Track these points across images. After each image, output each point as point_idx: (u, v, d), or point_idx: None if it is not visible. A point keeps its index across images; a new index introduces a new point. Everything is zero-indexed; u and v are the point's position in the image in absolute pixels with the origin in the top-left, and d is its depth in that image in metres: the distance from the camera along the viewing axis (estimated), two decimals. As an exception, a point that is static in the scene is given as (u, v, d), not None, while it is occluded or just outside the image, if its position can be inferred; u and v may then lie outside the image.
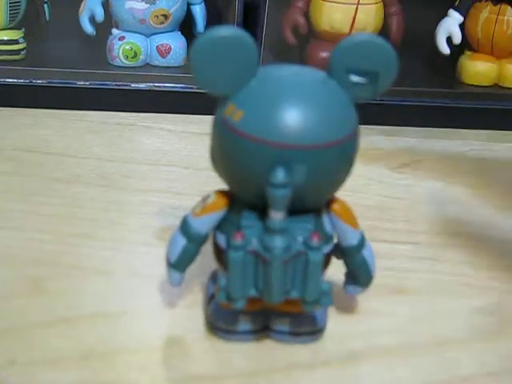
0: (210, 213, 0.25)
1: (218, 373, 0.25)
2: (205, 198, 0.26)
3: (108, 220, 0.35)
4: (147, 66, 0.53)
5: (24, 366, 0.25)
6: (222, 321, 0.26)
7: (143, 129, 0.47)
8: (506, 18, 0.52)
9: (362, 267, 0.27)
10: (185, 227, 0.26)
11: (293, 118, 0.23)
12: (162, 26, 0.52)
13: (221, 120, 0.24)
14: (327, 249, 0.25)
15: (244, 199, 0.25)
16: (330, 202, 0.26)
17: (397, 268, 0.32)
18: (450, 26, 0.53)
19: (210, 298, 0.27)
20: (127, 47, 0.51)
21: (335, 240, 0.26)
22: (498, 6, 0.53)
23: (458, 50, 0.54)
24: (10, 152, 0.42)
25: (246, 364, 0.25)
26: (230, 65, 0.23)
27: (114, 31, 0.53)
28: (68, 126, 0.46)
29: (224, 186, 0.25)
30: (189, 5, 0.53)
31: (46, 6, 0.53)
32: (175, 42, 0.53)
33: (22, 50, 0.51)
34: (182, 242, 0.26)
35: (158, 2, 0.51)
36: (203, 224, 0.25)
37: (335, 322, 0.28)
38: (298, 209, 0.24)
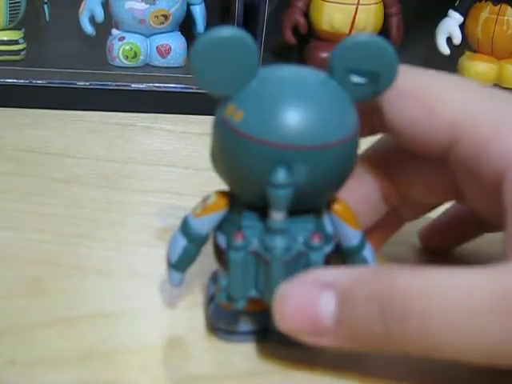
0: (211, 213, 0.25)
1: (218, 373, 0.25)
2: (205, 199, 0.26)
3: (108, 220, 0.35)
4: (147, 66, 0.53)
5: (24, 366, 0.25)
6: (222, 321, 0.26)
7: (143, 129, 0.47)
8: (505, 18, 0.52)
9: None
10: (185, 228, 0.26)
11: (293, 118, 0.23)
12: (162, 26, 0.52)
13: (221, 120, 0.24)
14: (328, 249, 0.25)
15: (244, 199, 0.25)
16: (330, 202, 0.26)
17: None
18: (450, 26, 0.53)
19: (210, 299, 0.27)
20: (127, 47, 0.51)
21: (336, 240, 0.26)
22: (498, 6, 0.53)
23: (458, 50, 0.54)
24: (9, 152, 0.42)
25: (246, 364, 0.25)
26: (230, 65, 0.23)
27: (114, 31, 0.53)
28: (68, 126, 0.46)
29: (224, 187, 0.25)
30: (189, 5, 0.53)
31: (45, 6, 0.53)
32: (175, 43, 0.53)
33: (22, 50, 0.51)
34: (182, 242, 0.26)
35: (157, 2, 0.51)
36: (203, 224, 0.25)
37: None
38: (298, 209, 0.24)
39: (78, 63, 0.51)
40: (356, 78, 0.24)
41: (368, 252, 0.26)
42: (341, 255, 0.27)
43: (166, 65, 0.53)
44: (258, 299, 0.25)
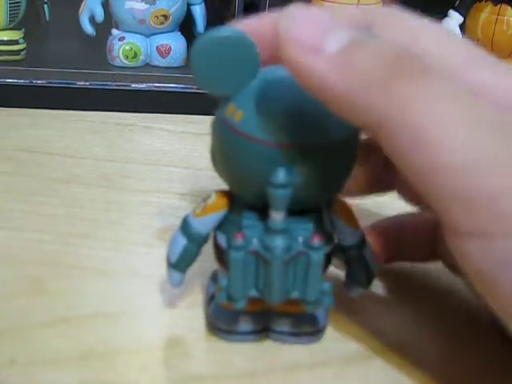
0: (211, 213, 0.25)
1: (218, 373, 0.25)
2: (205, 199, 0.26)
3: (108, 220, 0.35)
4: (147, 66, 0.53)
5: (24, 366, 0.25)
6: (222, 321, 0.26)
7: (143, 129, 0.47)
8: (505, 18, 0.52)
9: (362, 267, 0.26)
10: (185, 227, 0.26)
11: (293, 118, 0.23)
12: (162, 26, 0.52)
13: (221, 120, 0.24)
14: (328, 249, 0.25)
15: (244, 199, 0.25)
16: (330, 202, 0.26)
17: (397, 268, 0.32)
18: (450, 26, 0.53)
19: (210, 299, 0.27)
20: (127, 47, 0.52)
21: (335, 240, 0.26)
22: (498, 6, 0.53)
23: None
24: (10, 152, 0.42)
25: (246, 364, 0.25)
26: (230, 65, 0.23)
27: (114, 31, 0.53)
28: (68, 126, 0.46)
29: (224, 187, 0.25)
30: (189, 5, 0.53)
31: (46, 6, 0.53)
32: (175, 42, 0.53)
33: (22, 50, 0.51)
34: (182, 242, 0.26)
35: (157, 2, 0.51)
36: (204, 224, 0.25)
37: (335, 322, 0.28)
38: (298, 209, 0.24)
39: (78, 63, 0.51)
40: None
41: (368, 252, 0.26)
42: (340, 255, 0.27)
43: (166, 65, 0.53)
44: (258, 299, 0.25)
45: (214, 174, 0.25)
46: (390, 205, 0.33)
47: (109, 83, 0.49)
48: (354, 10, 0.26)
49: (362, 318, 0.28)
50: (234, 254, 0.24)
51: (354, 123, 0.21)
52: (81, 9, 0.52)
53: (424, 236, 0.30)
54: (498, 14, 0.53)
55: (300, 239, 0.24)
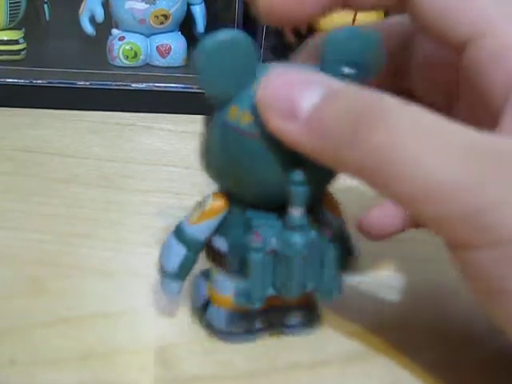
0: (209, 218, 0.25)
1: (218, 373, 0.25)
2: (201, 203, 0.25)
3: (108, 220, 0.35)
4: (147, 66, 0.53)
5: (24, 366, 0.25)
6: (236, 324, 0.26)
7: (143, 129, 0.47)
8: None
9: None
10: (182, 235, 0.25)
11: None
12: (162, 26, 0.52)
13: (223, 123, 0.24)
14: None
15: (250, 200, 0.25)
16: (322, 196, 0.26)
17: (397, 268, 0.32)
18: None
19: (205, 301, 0.27)
20: (127, 47, 0.52)
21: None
22: (498, 6, 0.53)
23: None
24: (9, 152, 0.42)
25: (246, 364, 0.25)
26: (233, 67, 0.23)
27: (114, 31, 0.53)
28: (68, 126, 0.46)
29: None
30: (189, 5, 0.53)
31: (45, 6, 0.53)
32: (175, 42, 0.53)
33: (22, 50, 0.51)
34: (181, 250, 0.25)
35: (157, 2, 0.51)
36: (202, 231, 0.25)
37: (335, 322, 0.28)
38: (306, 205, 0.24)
39: (78, 63, 0.51)
40: (347, 70, 0.24)
41: (346, 237, 0.27)
42: None
43: (166, 64, 0.53)
44: (272, 297, 0.25)
45: (214, 174, 0.25)
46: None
47: (109, 83, 0.49)
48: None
49: (362, 318, 0.28)
50: (254, 257, 0.24)
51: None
52: (81, 9, 0.52)
53: None
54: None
55: (313, 233, 0.24)
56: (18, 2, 0.50)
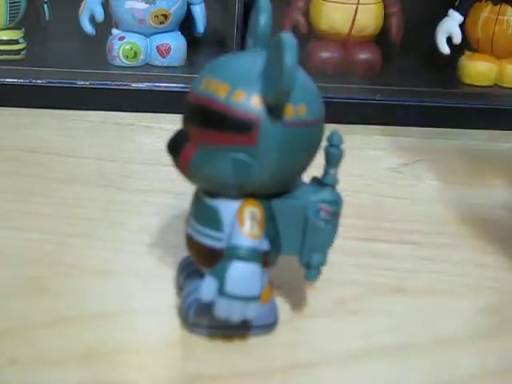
0: (263, 224, 0.25)
1: (218, 373, 0.25)
2: (251, 216, 0.25)
3: (108, 220, 0.35)
4: (147, 65, 0.53)
5: (24, 366, 0.25)
6: (207, 316, 0.26)
7: (143, 129, 0.47)
8: (505, 18, 0.52)
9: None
10: (254, 254, 0.24)
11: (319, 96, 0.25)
12: (162, 25, 0.52)
13: (286, 124, 0.24)
14: None
15: (274, 191, 0.25)
16: None
17: (397, 268, 0.32)
18: (450, 25, 0.53)
19: (187, 295, 0.26)
20: (127, 47, 0.52)
21: None
22: (498, 6, 0.53)
23: (457, 50, 0.54)
24: (9, 152, 0.42)
25: (246, 364, 0.25)
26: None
27: (114, 31, 0.53)
28: (68, 125, 0.46)
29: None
30: (189, 5, 0.53)
31: (45, 6, 0.53)
32: (175, 42, 0.53)
33: (22, 50, 0.51)
34: (259, 268, 0.24)
35: (157, 1, 0.51)
36: (263, 239, 0.25)
37: (335, 322, 0.28)
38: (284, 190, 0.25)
39: (78, 63, 0.51)
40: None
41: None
42: None
43: (166, 64, 0.53)
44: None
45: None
46: (391, 205, 0.33)
47: (109, 83, 0.49)
48: None
49: (362, 318, 0.28)
50: (327, 228, 0.25)
51: None
52: (81, 9, 0.52)
53: None
54: (498, 14, 0.53)
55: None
56: (18, 2, 0.50)
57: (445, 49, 0.53)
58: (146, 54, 0.52)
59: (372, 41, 0.54)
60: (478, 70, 0.54)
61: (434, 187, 0.41)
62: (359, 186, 0.40)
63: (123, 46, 0.51)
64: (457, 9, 0.53)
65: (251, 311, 0.25)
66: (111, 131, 0.46)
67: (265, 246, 0.25)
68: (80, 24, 0.52)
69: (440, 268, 0.33)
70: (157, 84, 0.49)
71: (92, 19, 0.52)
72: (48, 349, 0.25)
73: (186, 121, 0.25)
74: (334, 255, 0.27)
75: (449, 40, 0.53)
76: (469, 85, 0.54)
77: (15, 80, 0.48)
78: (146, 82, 0.50)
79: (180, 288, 0.28)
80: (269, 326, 0.27)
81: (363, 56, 0.54)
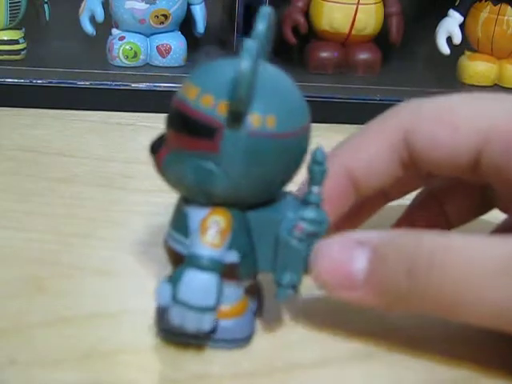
0: (228, 234, 0.24)
1: (218, 373, 0.25)
2: (215, 225, 0.24)
3: (108, 220, 0.35)
4: (147, 65, 0.53)
5: (24, 366, 0.25)
6: (187, 323, 0.24)
7: (144, 129, 0.47)
8: (505, 17, 0.52)
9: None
10: (212, 264, 0.24)
11: (301, 106, 0.25)
12: (162, 25, 0.52)
13: (249, 134, 0.23)
14: None
15: (250, 203, 0.25)
16: None
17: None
18: (450, 25, 0.53)
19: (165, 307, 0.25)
20: (127, 47, 0.52)
21: None
22: (498, 5, 0.53)
23: (458, 50, 0.54)
24: (9, 152, 0.42)
25: (247, 364, 0.25)
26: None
27: (114, 31, 0.53)
28: (68, 125, 0.46)
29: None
30: (189, 5, 0.53)
31: (46, 6, 0.53)
32: (175, 42, 0.53)
33: (22, 50, 0.51)
34: (215, 280, 0.24)
35: (158, 1, 0.51)
36: (225, 250, 0.24)
37: (335, 322, 0.28)
38: (270, 199, 0.25)
39: (78, 63, 0.51)
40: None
41: None
42: None
43: (166, 64, 0.53)
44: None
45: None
46: (391, 205, 0.33)
47: (109, 83, 0.49)
48: None
49: (362, 318, 0.28)
50: (300, 246, 0.25)
51: None
52: (81, 9, 0.52)
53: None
54: (498, 14, 0.53)
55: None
56: (18, 2, 0.50)
57: (445, 49, 0.53)
58: (146, 54, 0.52)
59: (372, 41, 0.54)
60: (478, 70, 0.54)
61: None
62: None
63: (123, 46, 0.51)
64: (457, 9, 0.53)
65: (206, 323, 0.24)
66: (111, 131, 0.46)
67: (232, 257, 0.24)
68: (80, 24, 0.52)
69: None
70: (157, 84, 0.49)
71: (92, 19, 0.52)
72: (48, 349, 0.25)
73: (165, 123, 0.25)
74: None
75: (449, 40, 0.53)
76: (469, 85, 0.54)
77: (15, 80, 0.48)
78: (146, 82, 0.50)
79: None
80: (242, 341, 0.26)
81: (363, 56, 0.54)
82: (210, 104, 0.23)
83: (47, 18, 0.54)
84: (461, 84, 0.54)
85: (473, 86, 0.54)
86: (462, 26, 0.53)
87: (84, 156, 0.42)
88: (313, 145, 0.25)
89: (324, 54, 0.53)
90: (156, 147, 0.25)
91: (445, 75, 0.55)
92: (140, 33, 0.52)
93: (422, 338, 0.28)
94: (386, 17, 0.54)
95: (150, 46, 0.53)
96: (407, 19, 0.55)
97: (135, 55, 0.52)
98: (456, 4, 0.53)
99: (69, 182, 0.38)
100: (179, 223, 0.25)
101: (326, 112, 0.46)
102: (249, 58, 0.22)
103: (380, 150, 0.27)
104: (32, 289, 0.29)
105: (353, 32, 0.53)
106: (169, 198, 0.38)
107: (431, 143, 0.26)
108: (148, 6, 0.51)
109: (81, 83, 0.49)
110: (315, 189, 0.25)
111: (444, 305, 0.23)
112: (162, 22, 0.52)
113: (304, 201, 0.25)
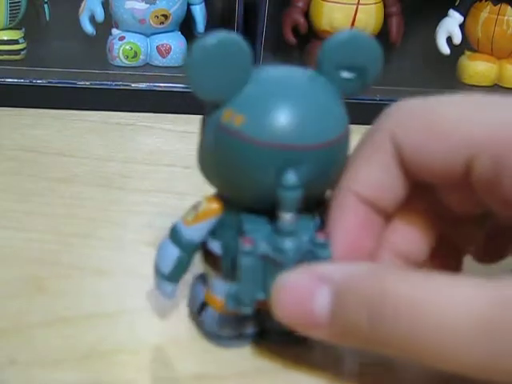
0: (204, 220, 0.25)
1: (218, 373, 0.25)
2: (196, 206, 0.25)
3: (108, 220, 0.35)
4: (147, 65, 0.53)
5: (24, 366, 0.25)
6: (227, 327, 0.26)
7: (143, 129, 0.47)
8: (505, 18, 0.52)
9: None
10: (176, 236, 0.25)
11: (296, 118, 0.23)
12: (162, 26, 0.52)
13: (218, 126, 0.24)
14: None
15: (243, 203, 0.24)
16: (320, 202, 0.26)
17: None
18: (450, 25, 0.53)
19: (201, 305, 0.26)
20: (127, 47, 0.52)
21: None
22: (498, 6, 0.53)
23: (458, 50, 0.54)
24: (9, 152, 0.42)
25: (246, 364, 0.25)
26: (225, 70, 0.23)
27: (114, 31, 0.53)
28: (68, 125, 0.46)
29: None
30: (189, 5, 0.53)
31: (46, 6, 0.53)
32: (175, 42, 0.53)
33: (22, 50, 0.51)
34: (175, 252, 0.25)
35: (158, 1, 0.51)
36: (196, 232, 0.25)
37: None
38: (298, 208, 0.24)
39: (78, 63, 0.51)
40: (345, 74, 0.24)
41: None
42: None
43: (166, 64, 0.53)
44: (263, 301, 0.24)
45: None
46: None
47: (109, 83, 0.49)
48: None
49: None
50: (244, 261, 0.23)
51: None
52: (81, 9, 0.52)
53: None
54: (498, 14, 0.53)
55: (305, 238, 0.24)
56: (18, 2, 0.50)
57: (445, 49, 0.53)
58: (146, 54, 0.52)
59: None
60: (477, 70, 0.54)
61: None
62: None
63: (123, 46, 0.51)
64: (457, 9, 0.53)
65: (164, 289, 0.26)
66: (111, 131, 0.46)
67: (214, 247, 0.25)
68: (80, 24, 0.52)
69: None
70: (157, 84, 0.49)
71: (92, 19, 0.52)
72: (48, 349, 0.25)
73: None
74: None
75: (449, 40, 0.53)
76: (469, 85, 0.54)
77: (15, 80, 0.48)
78: (146, 82, 0.50)
79: None
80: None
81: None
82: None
83: (47, 18, 0.54)
84: (461, 84, 0.54)
85: (473, 86, 0.54)
86: (462, 26, 0.53)
87: (84, 156, 0.42)
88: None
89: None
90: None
91: (445, 75, 0.55)
92: (140, 33, 0.52)
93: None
94: (386, 17, 0.54)
95: (150, 46, 0.53)
96: (407, 19, 0.55)
97: (135, 55, 0.52)
98: (456, 4, 0.53)
99: (69, 182, 0.38)
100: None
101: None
102: (194, 49, 0.23)
103: (381, 170, 0.25)
104: (32, 289, 0.29)
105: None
106: (168, 197, 0.38)
107: (421, 155, 0.24)
108: (148, 6, 0.51)
109: (81, 83, 0.49)
110: (287, 216, 0.23)
111: (410, 354, 0.22)
112: (162, 22, 0.52)
113: (276, 229, 0.24)
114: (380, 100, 0.49)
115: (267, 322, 0.26)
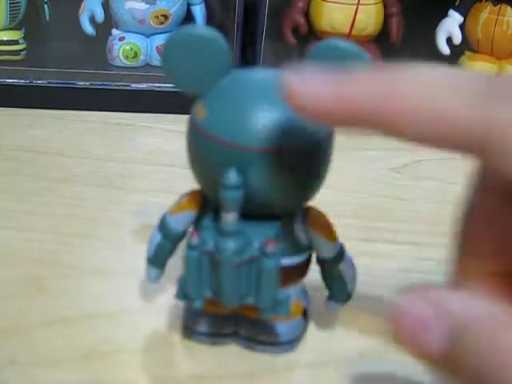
0: (184, 211, 0.26)
1: (218, 373, 0.25)
2: (181, 197, 0.26)
3: (108, 220, 0.35)
4: (147, 66, 0.53)
5: (24, 366, 0.25)
6: (202, 324, 0.26)
7: (143, 129, 0.47)
8: (505, 18, 0.52)
9: (338, 282, 0.26)
10: (161, 224, 0.26)
11: (251, 121, 0.23)
12: (162, 26, 0.52)
13: (190, 119, 0.24)
14: (300, 258, 0.25)
15: (210, 199, 0.25)
16: (305, 211, 0.25)
17: (396, 268, 0.32)
18: (450, 26, 0.53)
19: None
20: (127, 47, 0.52)
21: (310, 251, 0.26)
22: (498, 6, 0.53)
23: (458, 50, 0.54)
24: (9, 152, 0.42)
25: (246, 364, 0.25)
26: (201, 63, 0.23)
27: (114, 31, 0.53)
28: (68, 126, 0.46)
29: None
30: (189, 5, 0.53)
31: (46, 6, 0.53)
32: (175, 43, 0.53)
33: (22, 50, 0.51)
34: (157, 237, 0.26)
35: (158, 2, 0.51)
36: (178, 222, 0.26)
37: (336, 322, 0.28)
38: (258, 213, 0.24)
39: (78, 63, 0.51)
40: None
41: (346, 266, 0.26)
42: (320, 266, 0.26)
43: (166, 65, 0.53)
44: (244, 306, 0.24)
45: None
46: (391, 205, 0.33)
47: (109, 83, 0.49)
48: None
49: (362, 319, 0.28)
50: (188, 253, 0.23)
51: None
52: (81, 9, 0.52)
53: None
54: (498, 14, 0.53)
55: (255, 244, 0.23)
56: (18, 2, 0.50)
57: (445, 49, 0.53)
58: (146, 55, 0.52)
59: (372, 41, 0.54)
60: (477, 70, 0.54)
61: (434, 187, 0.41)
62: (359, 186, 0.40)
63: (123, 47, 0.51)
64: (457, 9, 0.53)
65: (148, 272, 0.27)
66: (111, 131, 0.46)
67: (195, 239, 0.24)
68: (80, 24, 0.52)
69: (440, 268, 0.33)
70: (157, 84, 0.49)
71: (92, 19, 0.52)
72: (48, 349, 0.25)
73: None
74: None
75: (449, 40, 0.53)
76: (469, 85, 0.54)
77: (15, 80, 0.48)
78: (146, 82, 0.50)
79: None
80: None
81: (363, 56, 0.54)
82: None
83: (47, 18, 0.54)
84: (461, 84, 0.54)
85: (473, 86, 0.54)
86: (462, 26, 0.53)
87: (83, 156, 0.42)
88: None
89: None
90: None
91: (445, 75, 0.55)
92: (140, 33, 0.52)
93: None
94: (386, 17, 0.54)
95: (150, 47, 0.53)
96: (407, 19, 0.55)
97: (135, 55, 0.52)
98: (456, 4, 0.53)
99: (69, 182, 0.38)
100: None
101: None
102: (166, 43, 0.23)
103: None
104: (32, 289, 0.29)
105: (353, 32, 0.53)
106: (168, 197, 0.38)
107: None
108: (148, 6, 0.51)
109: (81, 83, 0.49)
110: (229, 216, 0.23)
111: None
112: (162, 23, 0.52)
113: (219, 230, 0.23)
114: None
115: (242, 326, 0.26)
